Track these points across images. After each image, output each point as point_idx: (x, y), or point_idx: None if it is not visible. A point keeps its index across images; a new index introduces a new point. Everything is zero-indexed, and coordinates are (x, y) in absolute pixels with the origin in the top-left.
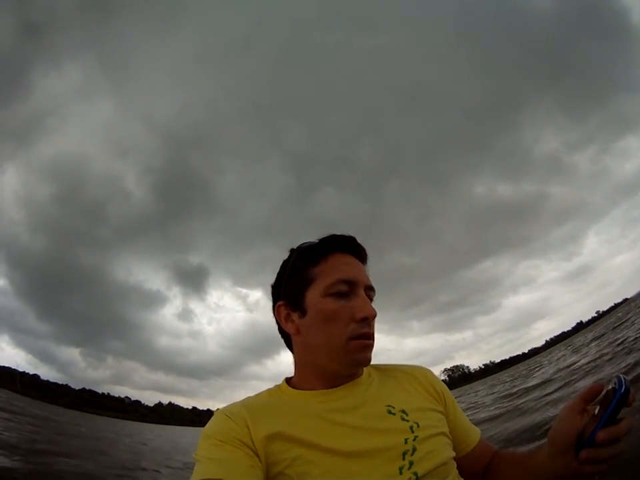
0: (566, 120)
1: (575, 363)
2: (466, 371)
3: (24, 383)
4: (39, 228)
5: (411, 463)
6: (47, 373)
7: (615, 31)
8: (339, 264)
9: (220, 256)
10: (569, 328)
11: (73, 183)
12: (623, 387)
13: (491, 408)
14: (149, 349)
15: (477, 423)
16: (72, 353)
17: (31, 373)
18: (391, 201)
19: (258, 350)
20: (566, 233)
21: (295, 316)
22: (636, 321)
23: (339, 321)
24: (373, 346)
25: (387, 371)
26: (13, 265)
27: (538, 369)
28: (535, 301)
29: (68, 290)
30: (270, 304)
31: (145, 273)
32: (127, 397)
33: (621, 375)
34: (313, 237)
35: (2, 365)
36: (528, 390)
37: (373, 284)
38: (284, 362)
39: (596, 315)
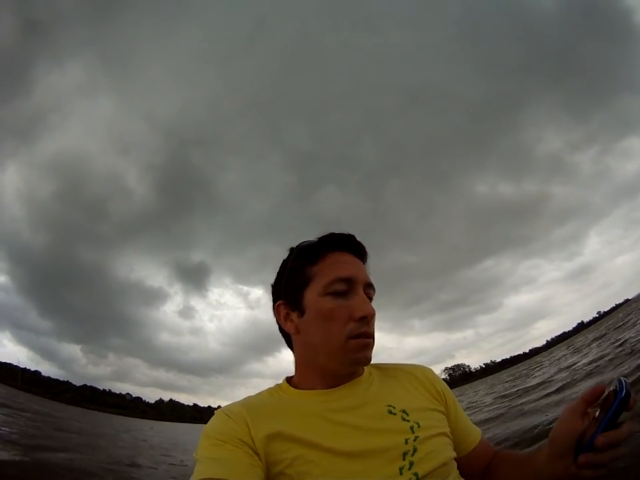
0: (568, 120)
1: (576, 363)
2: (467, 370)
3: (25, 379)
4: (41, 225)
5: (412, 464)
6: (48, 369)
7: (618, 31)
8: (336, 262)
9: (221, 253)
10: (570, 328)
11: (74, 180)
12: (624, 390)
13: (490, 408)
14: (150, 345)
15: (476, 424)
16: (73, 350)
17: (32, 369)
18: (393, 199)
19: (259, 347)
20: (567, 233)
21: (294, 315)
22: (637, 322)
23: (337, 320)
24: (372, 345)
25: (388, 370)
26: (14, 262)
27: (538, 368)
28: (536, 300)
29: (69, 287)
30: (271, 302)
31: (146, 269)
32: (128, 393)
33: (622, 378)
34: (314, 235)
35: (3, 361)
36: (528, 390)
37: (374, 282)
38: (285, 359)
39: (597, 315)
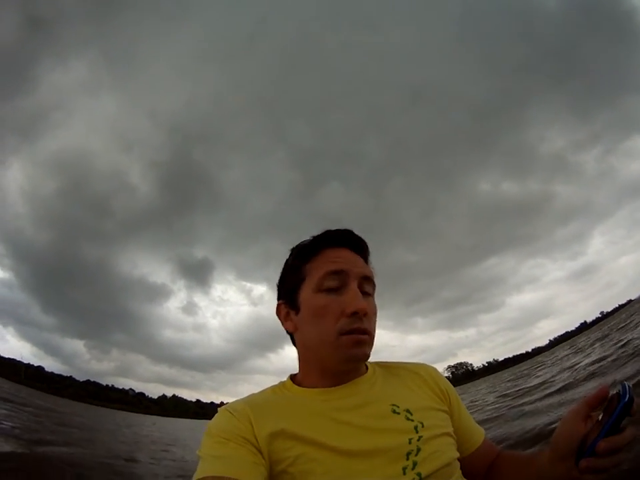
0: (572, 119)
1: (578, 363)
2: (469, 368)
3: (29, 374)
4: (44, 222)
5: (415, 464)
6: (51, 364)
7: (623, 31)
8: (329, 258)
9: (224, 250)
10: (573, 328)
11: (77, 177)
12: (627, 395)
13: (491, 408)
14: (153, 341)
15: (477, 423)
16: (76, 345)
17: (35, 364)
18: (396, 197)
19: (262, 344)
20: (571, 233)
21: (292, 314)
22: None
23: (328, 317)
24: (367, 341)
25: (392, 368)
26: (18, 258)
27: (540, 368)
28: (539, 299)
29: (73, 283)
30: (274, 299)
31: (149, 266)
32: (131, 389)
33: (625, 383)
34: (317, 232)
35: (7, 356)
36: (529, 391)
37: (374, 275)
38: (288, 356)
39: (600, 315)
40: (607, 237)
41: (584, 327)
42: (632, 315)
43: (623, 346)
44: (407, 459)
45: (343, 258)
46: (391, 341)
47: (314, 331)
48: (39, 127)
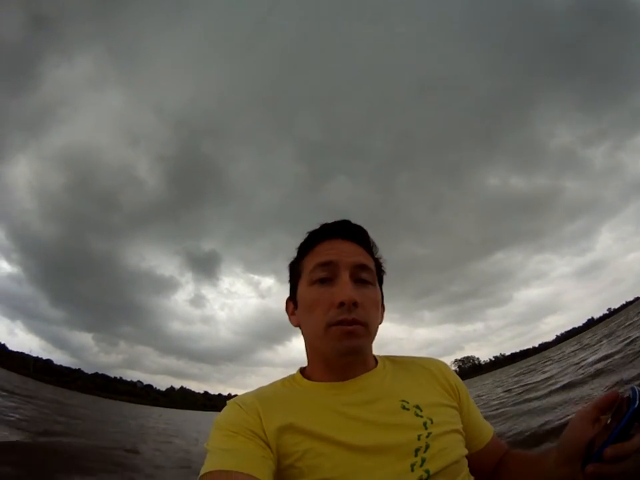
0: (580, 114)
1: (585, 360)
2: (476, 362)
3: (37, 368)
4: (52, 216)
5: (423, 460)
6: (60, 357)
7: (631, 26)
8: (322, 250)
9: (232, 242)
10: (580, 324)
11: (85, 172)
12: (638, 401)
13: (496, 403)
14: (161, 334)
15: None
16: (85, 338)
17: (44, 358)
18: (403, 191)
19: (269, 336)
20: (579, 228)
21: (295, 310)
22: None
23: (318, 309)
24: (358, 332)
25: (402, 363)
26: (26, 253)
27: (547, 364)
28: (546, 295)
29: (81, 276)
30: (282, 291)
31: (157, 259)
32: (139, 381)
33: (636, 388)
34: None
35: (16, 350)
36: (535, 386)
37: (384, 264)
38: (295, 348)
39: (607, 312)
40: (615, 234)
41: (591, 323)
42: (639, 313)
43: (629, 343)
44: (416, 456)
45: (335, 249)
46: (399, 334)
47: (308, 324)
48: (45, 123)
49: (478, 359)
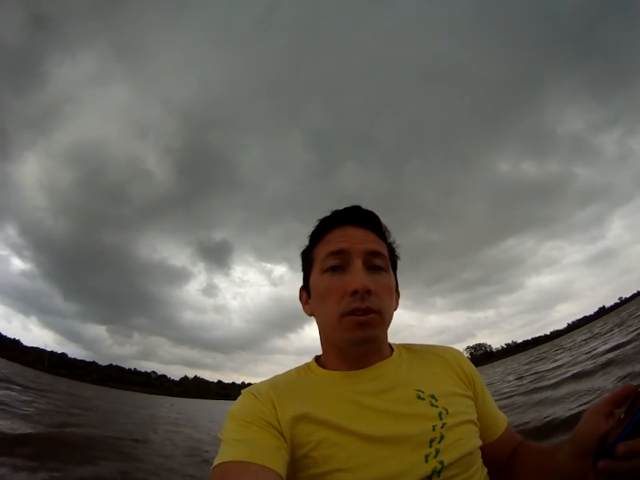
0: (591, 100)
1: (596, 349)
2: (488, 349)
3: (52, 362)
4: (63, 212)
5: (438, 451)
6: (74, 351)
7: None
8: (333, 238)
9: (243, 231)
10: (592, 312)
11: (94, 167)
12: None
13: (507, 391)
14: (174, 324)
15: None
16: (99, 331)
17: (58, 352)
18: (414, 176)
19: (282, 324)
20: (590, 216)
21: (308, 298)
22: None
23: (331, 297)
24: (373, 321)
25: (417, 351)
26: (39, 249)
27: (559, 352)
28: (558, 282)
29: (93, 270)
30: (294, 279)
31: (169, 250)
32: (153, 371)
33: None
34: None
35: (31, 345)
36: (546, 374)
37: (397, 249)
38: (308, 336)
39: (619, 301)
40: (626, 222)
41: (602, 312)
42: None
43: None
44: (430, 446)
45: (346, 236)
46: (411, 321)
47: (322, 314)
48: (52, 120)
49: (490, 346)
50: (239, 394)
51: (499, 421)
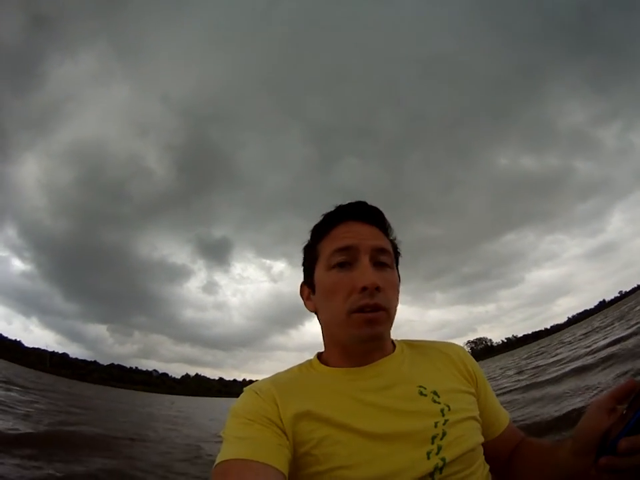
0: (591, 93)
1: (596, 343)
2: (488, 344)
3: (54, 362)
4: (62, 211)
5: (440, 448)
6: (75, 351)
7: None
8: (339, 234)
9: (243, 228)
10: (592, 306)
11: (94, 166)
12: None
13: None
14: (175, 322)
15: None
16: (99, 330)
17: (60, 352)
18: (414, 171)
19: (282, 320)
20: (590, 209)
21: (311, 294)
22: None
23: (339, 294)
24: (381, 319)
25: (420, 347)
26: (39, 250)
27: (559, 347)
28: (558, 276)
29: (93, 269)
30: (294, 275)
31: (169, 247)
32: (154, 369)
33: None
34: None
35: (32, 346)
36: (546, 368)
37: (399, 245)
38: (308, 332)
39: (619, 295)
40: (626, 215)
41: (603, 305)
42: None
43: None
44: (432, 443)
45: (353, 232)
46: (411, 316)
47: (327, 310)
48: (51, 120)
49: (490, 340)
50: (241, 391)
51: (501, 418)
